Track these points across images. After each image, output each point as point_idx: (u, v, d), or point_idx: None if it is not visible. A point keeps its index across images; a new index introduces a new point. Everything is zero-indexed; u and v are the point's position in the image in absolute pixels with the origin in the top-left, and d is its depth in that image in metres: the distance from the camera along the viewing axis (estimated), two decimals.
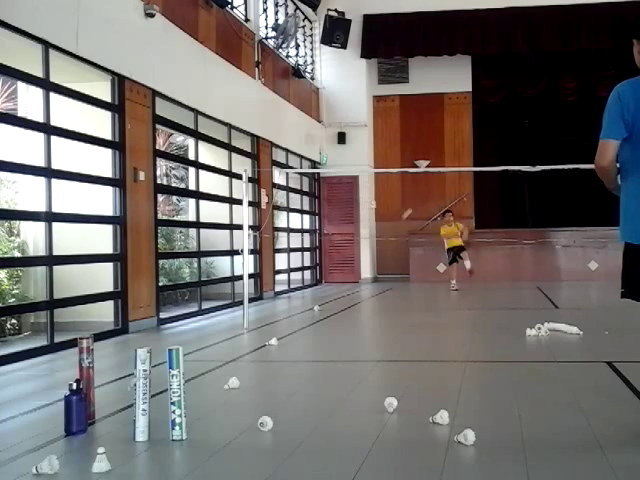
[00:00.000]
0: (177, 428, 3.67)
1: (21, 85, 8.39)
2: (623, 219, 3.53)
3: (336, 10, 15.51)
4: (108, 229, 8.14)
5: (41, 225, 7.19)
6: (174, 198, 14.43)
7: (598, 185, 3.75)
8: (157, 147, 9.60)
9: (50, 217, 6.99)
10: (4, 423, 4.19)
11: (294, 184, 15.14)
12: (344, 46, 15.67)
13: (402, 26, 15.88)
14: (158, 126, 9.31)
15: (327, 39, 15.65)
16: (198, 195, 10.33)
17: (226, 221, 11.21)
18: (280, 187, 14.01)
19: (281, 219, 14.39)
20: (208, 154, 11.29)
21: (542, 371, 5.56)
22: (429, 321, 9.18)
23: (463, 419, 3.87)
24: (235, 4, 11.95)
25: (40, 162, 6.96)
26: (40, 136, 6.99)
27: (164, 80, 9.05)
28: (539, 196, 19.86)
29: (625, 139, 3.41)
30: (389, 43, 16.10)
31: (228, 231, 11.16)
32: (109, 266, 8.10)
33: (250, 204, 10.75)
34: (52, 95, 7.06)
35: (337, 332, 8.23)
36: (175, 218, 14.23)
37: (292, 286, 14.39)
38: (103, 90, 8.03)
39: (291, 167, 14.49)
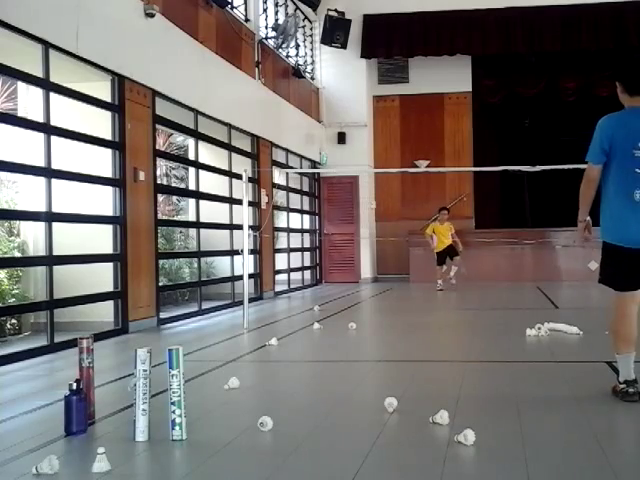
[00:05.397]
0: (177, 428, 3.67)
1: (21, 85, 8.39)
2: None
3: (336, 10, 15.51)
4: (108, 229, 8.14)
5: (41, 225, 7.19)
6: (174, 198, 14.43)
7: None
8: (157, 147, 9.60)
9: (50, 217, 6.99)
10: (4, 423, 4.18)
11: (294, 184, 15.13)
12: (344, 46, 15.66)
13: (402, 26, 15.87)
14: (158, 126, 9.30)
15: (327, 39, 15.64)
16: (198, 195, 10.33)
17: (226, 221, 11.21)
18: (280, 187, 14.01)
19: (281, 219, 14.39)
20: (208, 154, 11.28)
21: (542, 371, 5.56)
22: (429, 321, 9.18)
23: (463, 419, 3.87)
24: (235, 4, 11.95)
25: (40, 162, 6.96)
26: (40, 136, 6.99)
27: (164, 80, 9.05)
28: (539, 196, 19.86)
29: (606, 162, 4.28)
30: (389, 43, 16.08)
31: (228, 231, 11.17)
32: (109, 266, 8.10)
33: (250, 204, 10.75)
34: (52, 95, 7.05)
35: (337, 332, 8.22)
36: (175, 218, 14.23)
37: (292, 286, 14.39)
38: (103, 90, 8.03)
39: (291, 167, 14.48)
